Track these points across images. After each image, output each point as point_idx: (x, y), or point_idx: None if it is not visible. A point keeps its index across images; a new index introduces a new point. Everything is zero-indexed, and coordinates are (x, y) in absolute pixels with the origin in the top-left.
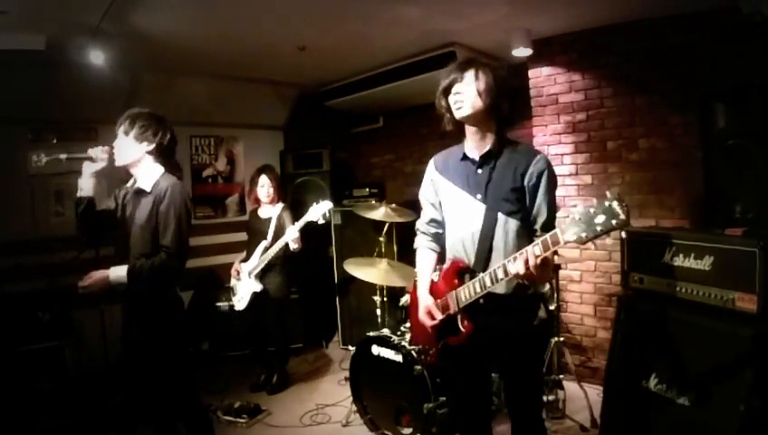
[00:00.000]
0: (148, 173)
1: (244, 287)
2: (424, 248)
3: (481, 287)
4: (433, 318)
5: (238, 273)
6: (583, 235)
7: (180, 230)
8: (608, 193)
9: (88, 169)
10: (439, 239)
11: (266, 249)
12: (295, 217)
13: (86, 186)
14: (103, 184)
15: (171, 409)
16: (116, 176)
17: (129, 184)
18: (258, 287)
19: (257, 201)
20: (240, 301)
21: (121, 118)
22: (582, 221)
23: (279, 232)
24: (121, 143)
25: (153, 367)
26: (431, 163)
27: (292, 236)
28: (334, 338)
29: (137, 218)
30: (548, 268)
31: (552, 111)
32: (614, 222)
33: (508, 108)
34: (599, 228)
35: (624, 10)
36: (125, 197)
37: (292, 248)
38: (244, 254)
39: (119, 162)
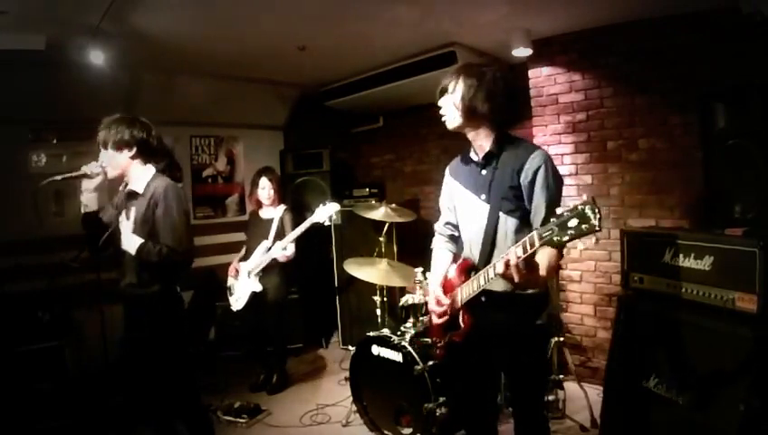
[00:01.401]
0: (139, 175)
1: (243, 287)
2: (439, 248)
3: (477, 285)
4: (441, 304)
5: (237, 272)
6: (555, 239)
7: (180, 230)
8: (584, 196)
9: (88, 184)
10: (455, 241)
11: (268, 250)
12: (296, 220)
13: (89, 202)
14: (104, 193)
15: (172, 408)
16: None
17: (121, 187)
18: (258, 287)
19: (258, 203)
20: (237, 300)
21: (98, 132)
22: (556, 224)
23: (281, 234)
24: (105, 156)
25: (154, 366)
26: (447, 168)
27: (276, 253)
28: (334, 338)
29: (130, 220)
30: (535, 272)
31: (552, 111)
32: (584, 227)
33: (487, 108)
34: (570, 232)
35: (624, 10)
36: (120, 201)
37: (281, 260)
38: (242, 253)
39: (110, 175)
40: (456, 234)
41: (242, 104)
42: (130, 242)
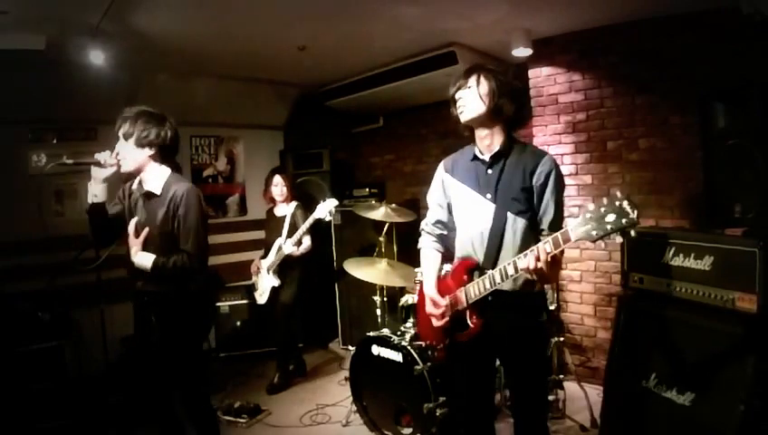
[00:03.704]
0: (155, 175)
1: (264, 283)
2: (429, 248)
3: (491, 284)
4: (438, 306)
5: (258, 269)
6: (593, 233)
7: (200, 235)
8: (618, 193)
9: (98, 174)
10: (443, 240)
11: (281, 247)
12: (307, 214)
13: (98, 191)
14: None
15: (184, 408)
16: (120, 177)
17: (134, 186)
18: (276, 282)
19: (272, 200)
20: (261, 295)
21: (120, 119)
22: (592, 220)
23: (293, 229)
24: (123, 148)
25: (172, 364)
26: (441, 165)
27: (288, 249)
28: (334, 338)
29: (150, 222)
30: (557, 267)
31: (551, 111)
32: (624, 221)
33: (512, 109)
34: (608, 227)
35: (624, 10)
36: (131, 198)
37: (296, 254)
38: (262, 251)
39: (124, 169)
40: (446, 233)
41: (242, 104)
42: (143, 260)
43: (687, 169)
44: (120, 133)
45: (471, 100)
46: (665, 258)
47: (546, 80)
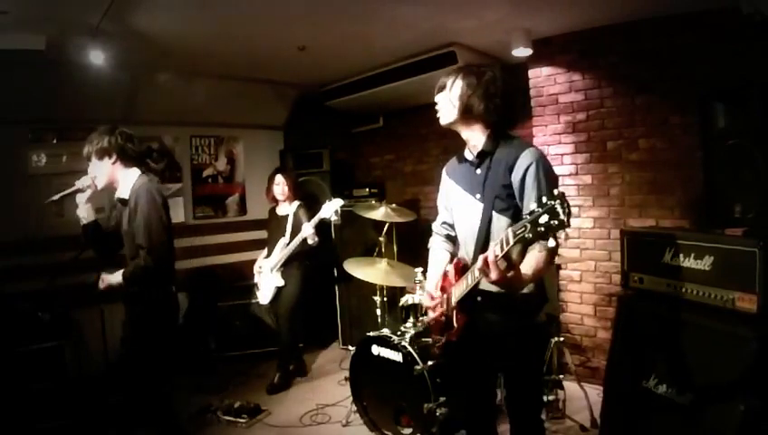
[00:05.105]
0: (125, 182)
1: (267, 282)
2: (436, 248)
3: (466, 284)
4: (432, 299)
5: (261, 269)
6: (527, 235)
7: (153, 229)
8: (555, 191)
9: (80, 198)
10: (452, 241)
11: (286, 245)
12: (310, 214)
13: (86, 213)
14: (101, 200)
15: (145, 409)
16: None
17: (115, 197)
18: (280, 282)
19: (274, 200)
20: (264, 296)
21: (84, 148)
22: (529, 221)
23: (296, 228)
24: (92, 167)
25: (142, 365)
26: (444, 168)
27: (308, 232)
28: (334, 338)
29: (124, 226)
30: (515, 269)
31: (551, 111)
32: (554, 223)
33: (482, 107)
34: (540, 229)
35: (624, 10)
36: (116, 212)
37: (310, 243)
38: (265, 251)
39: (99, 185)
40: (453, 233)
41: (242, 104)
42: (114, 280)
43: (687, 169)
44: (85, 157)
45: (444, 104)
46: (665, 258)
47: (546, 80)
